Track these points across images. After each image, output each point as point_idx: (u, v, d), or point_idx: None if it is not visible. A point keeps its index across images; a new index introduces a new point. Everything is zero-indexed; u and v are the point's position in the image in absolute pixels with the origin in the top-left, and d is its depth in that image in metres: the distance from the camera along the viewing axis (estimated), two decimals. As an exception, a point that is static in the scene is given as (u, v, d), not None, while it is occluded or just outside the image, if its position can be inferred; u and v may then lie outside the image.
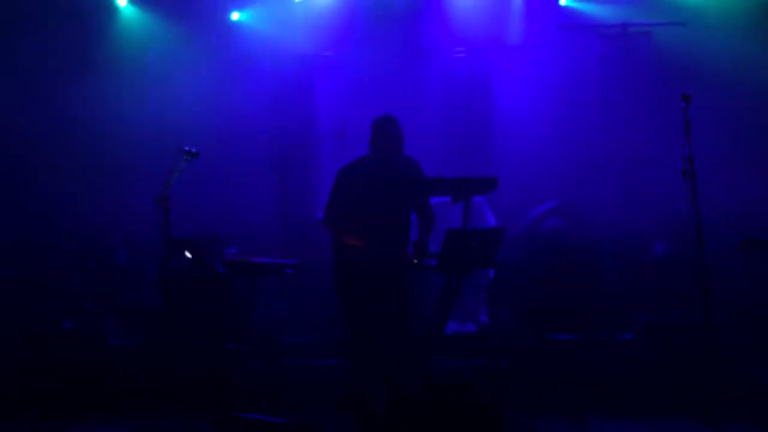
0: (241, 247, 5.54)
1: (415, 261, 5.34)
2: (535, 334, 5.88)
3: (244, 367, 5.43)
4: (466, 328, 6.16)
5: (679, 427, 4.99)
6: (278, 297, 6.40)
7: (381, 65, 7.32)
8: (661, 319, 6.08)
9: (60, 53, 7.28)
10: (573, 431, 4.89)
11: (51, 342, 5.75)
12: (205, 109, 7.21)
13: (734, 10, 7.02)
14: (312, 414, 5.07)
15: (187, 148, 5.15)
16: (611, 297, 6.44)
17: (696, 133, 5.00)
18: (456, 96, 7.34)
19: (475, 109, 7.33)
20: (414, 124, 7.08)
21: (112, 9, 7.62)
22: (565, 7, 7.52)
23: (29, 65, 7.31)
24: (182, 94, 7.28)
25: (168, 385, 4.82)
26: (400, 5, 7.50)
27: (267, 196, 7.17)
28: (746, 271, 6.03)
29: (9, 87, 7.23)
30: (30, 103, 7.22)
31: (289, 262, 5.45)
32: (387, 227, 5.16)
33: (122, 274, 6.61)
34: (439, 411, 1.44)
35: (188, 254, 5.34)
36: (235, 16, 7.70)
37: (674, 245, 6.44)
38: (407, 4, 7.51)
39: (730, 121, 6.67)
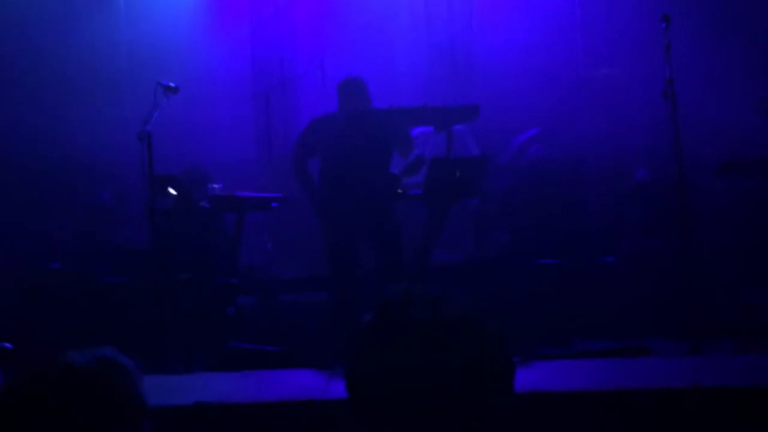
0: (226, 184, 5.52)
1: (399, 191, 5.36)
2: (521, 260, 5.95)
3: (234, 302, 5.47)
4: (451, 257, 6.21)
5: (660, 346, 5.08)
6: (265, 231, 6.41)
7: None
8: (644, 244, 6.17)
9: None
10: (558, 352, 4.97)
11: (41, 283, 5.72)
12: (183, 46, 7.06)
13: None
14: (302, 345, 5.13)
15: (165, 83, 5.06)
16: (595, 223, 6.51)
17: (676, 54, 4.98)
18: (438, 29, 7.26)
19: (457, 39, 7.25)
20: (395, 57, 7.04)
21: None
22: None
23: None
24: (159, 28, 7.12)
25: (163, 320, 4.85)
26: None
27: (250, 131, 7.09)
28: (728, 192, 6.10)
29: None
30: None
31: (274, 195, 5.44)
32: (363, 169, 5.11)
33: (106, 213, 6.55)
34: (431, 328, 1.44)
35: (172, 191, 5.31)
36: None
37: (656, 170, 6.48)
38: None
39: (709, 41, 6.63)
